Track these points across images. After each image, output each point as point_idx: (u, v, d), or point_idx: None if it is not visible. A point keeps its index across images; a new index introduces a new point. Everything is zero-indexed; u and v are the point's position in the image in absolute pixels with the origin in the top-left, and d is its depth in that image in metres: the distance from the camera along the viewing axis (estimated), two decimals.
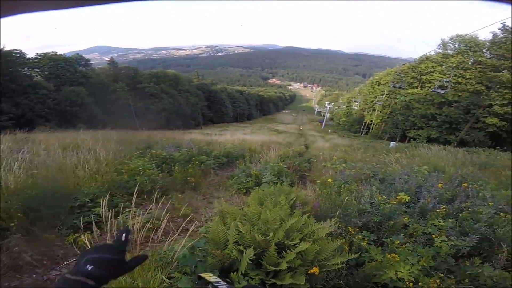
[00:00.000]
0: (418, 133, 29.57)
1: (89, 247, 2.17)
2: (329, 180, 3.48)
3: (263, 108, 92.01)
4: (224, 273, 1.93)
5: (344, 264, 2.09)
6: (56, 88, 28.39)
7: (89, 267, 0.52)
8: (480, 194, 3.33)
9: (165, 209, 4.00)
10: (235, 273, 1.81)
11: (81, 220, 2.63)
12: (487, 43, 27.58)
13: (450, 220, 2.58)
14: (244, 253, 1.84)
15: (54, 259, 2.50)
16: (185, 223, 3.58)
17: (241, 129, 34.57)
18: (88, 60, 39.83)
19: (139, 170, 4.52)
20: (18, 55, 26.94)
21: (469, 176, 4.58)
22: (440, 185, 3.42)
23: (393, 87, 28.89)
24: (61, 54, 34.17)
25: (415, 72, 32.76)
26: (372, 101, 40.42)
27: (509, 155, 11.25)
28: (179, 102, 45.15)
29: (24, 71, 27.21)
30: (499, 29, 25.82)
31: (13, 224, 2.45)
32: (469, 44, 28.46)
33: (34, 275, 2.27)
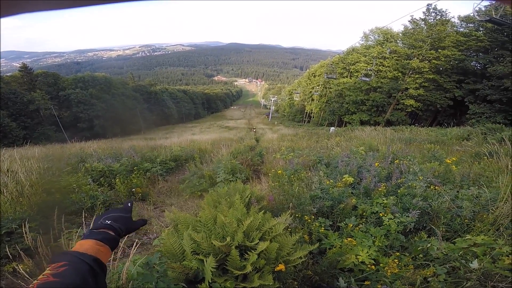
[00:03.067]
0: (352, 117, 32.64)
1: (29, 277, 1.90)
2: (280, 172, 3.56)
3: (211, 106, 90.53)
4: (191, 284, 1.81)
5: (308, 255, 2.09)
6: None
7: (108, 221, 0.68)
8: (411, 169, 3.50)
9: None
10: (202, 283, 1.70)
11: (6, 249, 2.27)
12: (400, 34, 31.73)
13: (391, 197, 2.72)
14: (205, 261, 1.73)
15: None
16: (138, 236, 3.28)
17: (189, 129, 33.32)
18: None
19: (73, 187, 4.05)
20: None
21: (399, 152, 4.96)
22: (376, 164, 3.69)
23: (327, 77, 31.51)
24: None
25: (344, 63, 35.74)
26: (310, 91, 43.22)
27: (426, 130, 13.32)
28: (113, 107, 41.00)
29: None
30: (409, 21, 30.05)
31: None
32: (386, 36, 32.22)
33: None
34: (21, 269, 1.90)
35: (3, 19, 0.39)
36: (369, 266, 1.95)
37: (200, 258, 1.84)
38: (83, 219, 2.70)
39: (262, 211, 2.26)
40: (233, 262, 1.78)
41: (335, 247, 2.18)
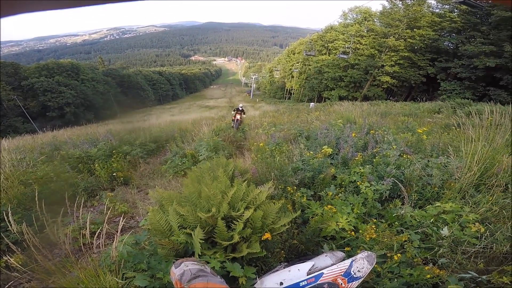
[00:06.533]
0: (331, 93, 33.38)
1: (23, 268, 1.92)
2: (261, 144, 3.60)
3: (189, 86, 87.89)
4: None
5: (293, 224, 2.16)
6: None
7: None
8: (385, 138, 3.60)
9: (99, 211, 3.58)
10: (192, 257, 1.72)
11: None
12: (378, 13, 32.20)
13: (367, 166, 2.79)
14: (193, 234, 1.74)
15: None
16: (125, 220, 3.26)
17: (167, 110, 32.51)
18: None
19: (51, 176, 3.93)
20: None
21: (375, 124, 5.09)
22: (353, 134, 3.79)
23: (306, 55, 31.59)
24: None
25: (322, 41, 36.02)
26: (290, 69, 43.57)
27: (400, 104, 13.88)
28: (84, 93, 38.74)
29: None
30: (387, 1, 30.42)
31: None
32: (364, 15, 32.73)
33: None
34: (14, 262, 1.88)
35: (3, 19, 0.38)
36: (349, 232, 2.04)
37: (187, 232, 1.85)
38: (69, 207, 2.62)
39: (246, 182, 2.30)
40: (221, 234, 1.81)
41: (317, 216, 2.26)
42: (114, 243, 1.86)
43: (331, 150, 3.41)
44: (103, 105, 40.91)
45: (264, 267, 1.87)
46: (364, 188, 2.45)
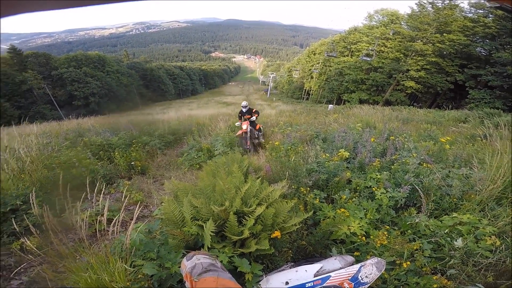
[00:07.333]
0: (351, 96, 32.78)
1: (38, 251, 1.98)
2: (277, 143, 3.58)
3: (208, 82, 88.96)
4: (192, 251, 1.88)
5: (303, 225, 2.14)
6: None
7: None
8: (405, 146, 3.52)
9: (115, 199, 3.71)
10: (202, 249, 1.74)
11: (14, 225, 2.25)
12: (405, 16, 31.20)
13: (384, 172, 2.73)
14: (205, 227, 1.77)
15: (9, 269, 2.26)
16: (139, 209, 3.38)
17: (186, 105, 33.23)
18: None
19: (73, 161, 4.09)
20: None
21: (395, 130, 4.95)
22: (372, 139, 3.70)
23: (327, 56, 31.11)
24: None
25: (345, 42, 35.58)
26: (310, 69, 43.06)
27: (424, 111, 13.33)
28: (109, 84, 40.46)
29: None
30: (416, 4, 29.55)
31: None
32: (391, 17, 31.85)
33: None
34: (30, 244, 1.93)
35: (3, 19, 0.39)
36: (360, 237, 2.00)
37: (199, 224, 1.88)
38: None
39: (259, 179, 2.32)
40: (231, 228, 1.83)
41: (328, 218, 2.23)
42: (128, 230, 1.88)
43: (348, 154, 3.35)
44: (125, 96, 42.50)
45: (270, 265, 1.87)
46: (380, 194, 2.40)
